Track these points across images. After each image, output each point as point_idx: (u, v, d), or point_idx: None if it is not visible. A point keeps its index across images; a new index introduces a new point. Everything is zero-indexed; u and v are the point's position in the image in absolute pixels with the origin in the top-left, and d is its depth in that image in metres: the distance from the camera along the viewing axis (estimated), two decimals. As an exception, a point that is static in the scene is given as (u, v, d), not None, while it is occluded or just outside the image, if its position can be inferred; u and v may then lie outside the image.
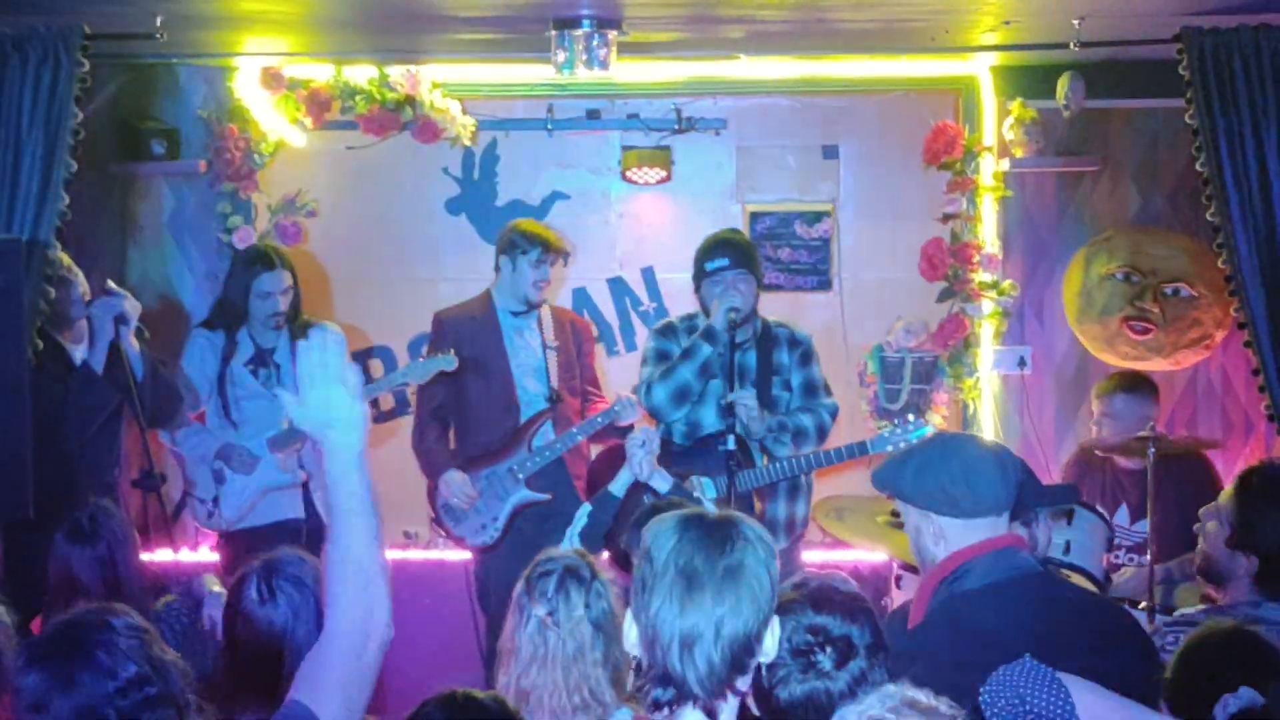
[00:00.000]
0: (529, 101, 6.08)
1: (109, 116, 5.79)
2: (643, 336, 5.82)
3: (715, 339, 4.74)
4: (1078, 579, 4.28)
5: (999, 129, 5.92)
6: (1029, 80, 5.88)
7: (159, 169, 5.90)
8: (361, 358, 6.12)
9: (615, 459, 4.51)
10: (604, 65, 4.96)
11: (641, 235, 6.24)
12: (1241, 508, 3.68)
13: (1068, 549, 4.33)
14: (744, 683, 2.11)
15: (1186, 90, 4.74)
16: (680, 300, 5.64)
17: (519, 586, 3.11)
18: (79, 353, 4.81)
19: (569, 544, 4.00)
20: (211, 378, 5.16)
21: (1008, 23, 5.09)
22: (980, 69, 5.95)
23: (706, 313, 4.85)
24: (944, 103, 6.06)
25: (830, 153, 6.19)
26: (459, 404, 5.25)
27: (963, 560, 2.80)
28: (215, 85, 5.89)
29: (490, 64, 5.90)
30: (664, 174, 6.07)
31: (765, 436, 4.78)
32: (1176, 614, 4.03)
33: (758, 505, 4.72)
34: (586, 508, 4.21)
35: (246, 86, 5.80)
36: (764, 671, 2.25)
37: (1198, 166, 4.78)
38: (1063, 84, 5.65)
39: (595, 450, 5.31)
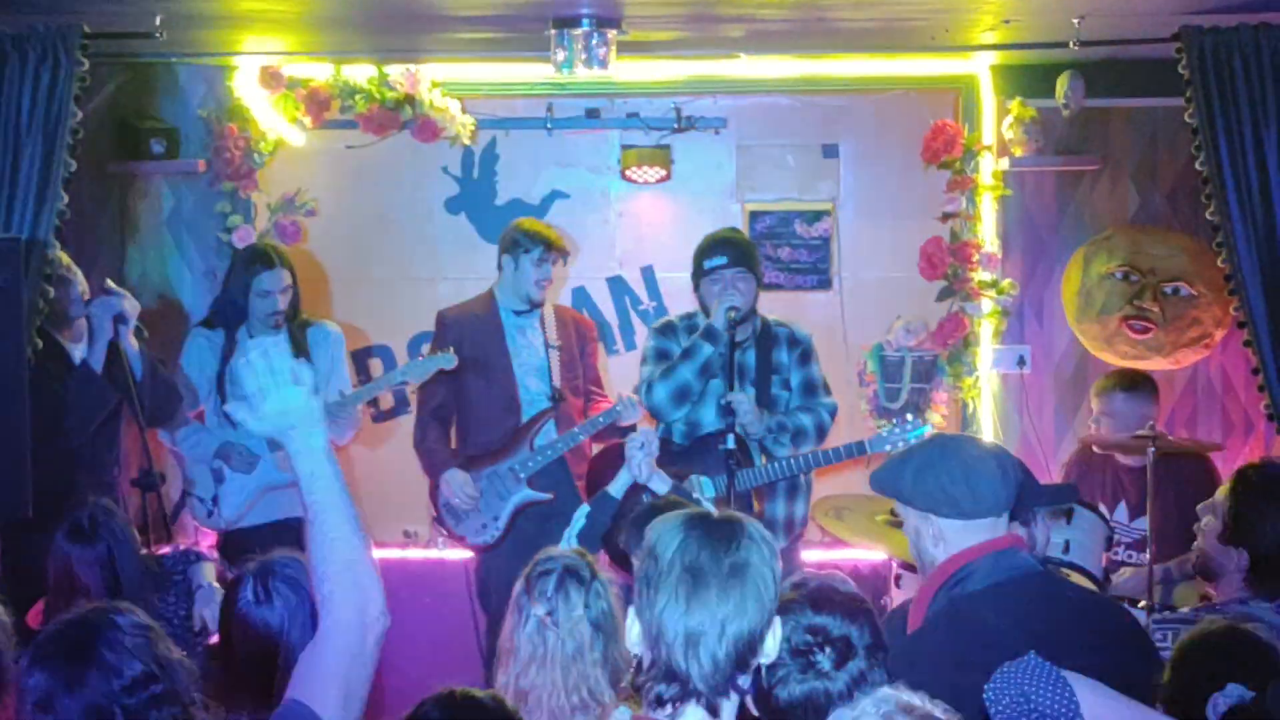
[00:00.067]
0: (528, 100, 6.08)
1: (108, 116, 5.79)
2: (642, 335, 5.81)
3: (716, 339, 4.73)
4: (1077, 578, 4.29)
5: (998, 128, 5.92)
6: (1028, 79, 5.88)
7: (158, 168, 5.89)
8: (361, 357, 6.12)
9: (614, 458, 4.51)
10: (603, 64, 4.95)
11: (641, 234, 6.24)
12: (1236, 503, 3.70)
13: (1067, 548, 4.34)
14: (746, 680, 2.12)
15: (1186, 89, 4.73)
16: (680, 299, 5.64)
17: (518, 586, 3.11)
18: (78, 352, 4.80)
19: (567, 545, 4.00)
20: (211, 377, 5.17)
21: (1007, 21, 5.09)
22: (980, 68, 5.94)
23: (706, 312, 4.85)
24: (943, 102, 6.06)
25: (830, 152, 6.18)
26: (461, 403, 5.26)
27: (963, 563, 2.80)
28: (214, 84, 5.88)
29: (490, 63, 5.90)
30: (664, 173, 6.06)
31: (765, 436, 4.78)
32: (1164, 612, 4.03)
33: (756, 505, 4.72)
34: (585, 509, 4.21)
35: (246, 86, 5.80)
36: (763, 672, 2.26)
37: (1197, 165, 4.78)
38: (1062, 83, 5.65)
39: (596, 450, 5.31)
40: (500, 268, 5.29)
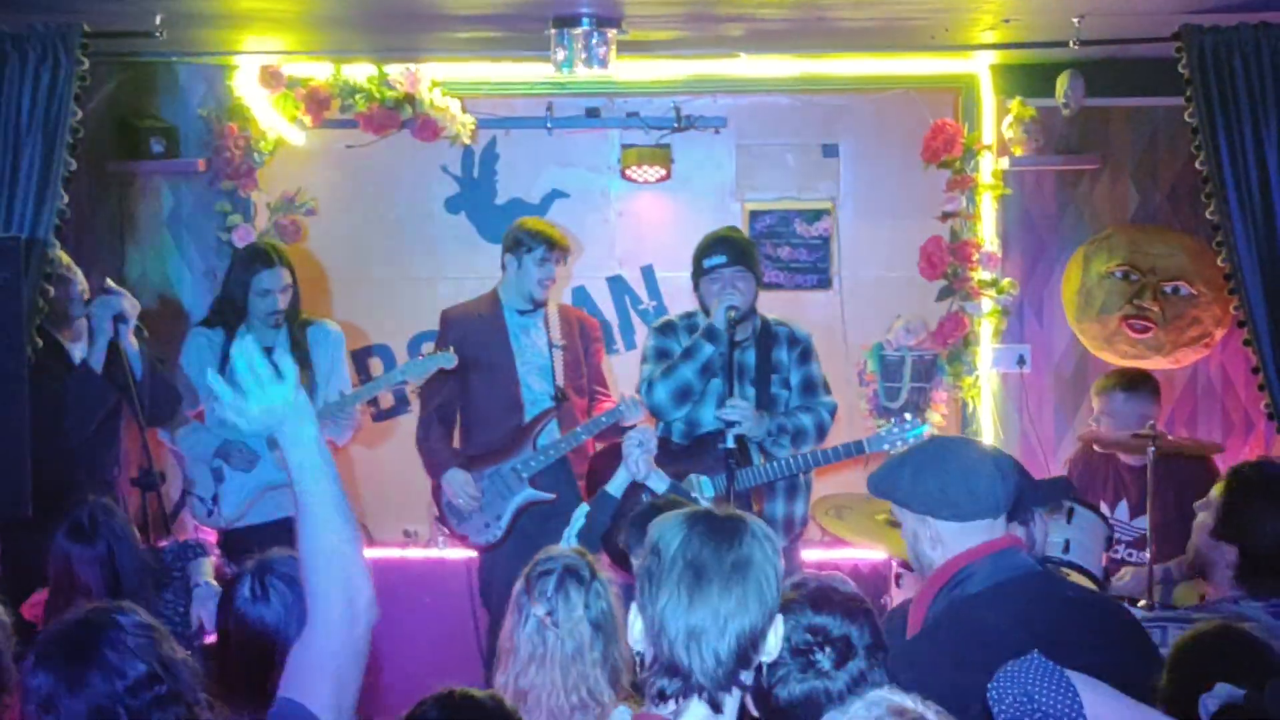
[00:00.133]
0: (528, 100, 6.07)
1: (108, 115, 5.79)
2: (642, 335, 5.81)
3: (717, 338, 4.73)
4: (1077, 577, 4.28)
5: (998, 127, 5.92)
6: (1028, 78, 5.87)
7: (158, 167, 5.89)
8: (361, 357, 6.13)
9: (614, 457, 4.51)
10: (603, 64, 4.95)
11: (641, 234, 6.24)
12: (1229, 498, 3.70)
13: (1067, 547, 4.33)
14: (748, 677, 2.12)
15: (1186, 88, 4.73)
16: (680, 298, 5.64)
17: (518, 585, 3.11)
18: (78, 351, 4.80)
19: (567, 545, 4.00)
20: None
21: (1007, 21, 5.09)
22: (980, 67, 5.94)
23: (705, 311, 4.85)
24: (943, 101, 6.06)
25: (830, 151, 6.19)
26: (464, 402, 5.26)
27: (962, 565, 2.80)
28: (214, 84, 5.88)
29: (490, 62, 5.89)
30: (663, 172, 6.06)
31: (765, 439, 4.78)
32: (1157, 610, 4.04)
33: (756, 504, 4.72)
34: (584, 508, 4.21)
35: (246, 85, 5.79)
36: (763, 671, 2.26)
37: (1197, 165, 4.78)
38: (1062, 82, 5.65)
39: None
40: (503, 267, 5.29)
